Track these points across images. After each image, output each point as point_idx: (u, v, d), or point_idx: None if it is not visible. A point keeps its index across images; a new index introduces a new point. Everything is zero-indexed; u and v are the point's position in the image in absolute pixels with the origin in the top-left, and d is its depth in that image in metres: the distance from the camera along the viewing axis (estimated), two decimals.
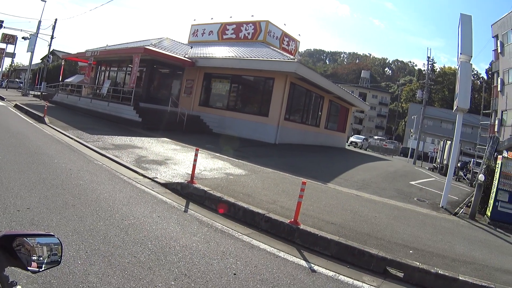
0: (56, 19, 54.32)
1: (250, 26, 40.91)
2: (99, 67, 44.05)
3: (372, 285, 6.77)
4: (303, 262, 7.26)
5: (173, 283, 5.79)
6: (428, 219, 12.35)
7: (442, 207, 14.83)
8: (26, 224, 7.44)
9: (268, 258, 7.22)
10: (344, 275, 7.00)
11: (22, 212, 8.01)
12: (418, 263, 7.37)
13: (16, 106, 34.24)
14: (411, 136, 61.24)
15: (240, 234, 8.52)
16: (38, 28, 56.12)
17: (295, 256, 7.53)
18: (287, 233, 8.60)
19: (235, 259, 6.97)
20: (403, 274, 7.26)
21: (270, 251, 7.64)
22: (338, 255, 7.80)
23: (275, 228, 8.88)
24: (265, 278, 6.29)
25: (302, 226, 8.54)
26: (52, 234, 2.26)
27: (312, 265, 7.19)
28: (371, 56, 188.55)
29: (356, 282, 6.76)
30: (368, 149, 60.13)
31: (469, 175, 29.80)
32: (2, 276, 2.03)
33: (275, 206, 10.35)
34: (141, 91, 34.48)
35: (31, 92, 57.11)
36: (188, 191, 11.53)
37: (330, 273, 7.04)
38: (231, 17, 43.88)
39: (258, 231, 8.93)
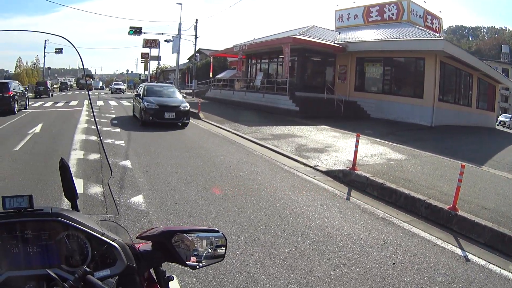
0: (196, 19, 56.34)
1: (393, 7, 40.32)
2: (249, 60, 45.15)
3: None
4: (458, 251, 7.22)
5: (332, 273, 5.91)
6: None
7: None
8: (183, 216, 8.06)
9: (426, 247, 7.25)
10: (494, 264, 6.83)
11: (180, 205, 8.73)
12: None
13: None
14: None
15: (401, 221, 8.62)
16: (180, 29, 59.17)
17: (451, 244, 7.48)
18: (445, 220, 8.62)
19: (395, 247, 7.05)
20: None
21: (429, 239, 7.66)
22: (490, 243, 7.68)
23: (434, 214, 8.92)
24: (422, 268, 6.27)
25: (460, 212, 8.49)
26: (216, 229, 2.25)
27: (467, 253, 7.11)
28: (507, 30, 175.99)
29: (503, 272, 6.58)
30: None
31: None
32: (159, 271, 2.15)
33: (434, 191, 10.30)
34: (295, 80, 35.29)
35: (182, 90, 59.47)
36: (350, 178, 11.76)
37: (482, 262, 6.87)
38: None
39: (418, 218, 8.97)
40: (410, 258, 6.69)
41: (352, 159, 12.47)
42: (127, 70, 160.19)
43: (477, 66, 34.46)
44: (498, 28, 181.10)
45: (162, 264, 2.17)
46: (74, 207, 2.22)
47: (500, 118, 60.95)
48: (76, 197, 2.24)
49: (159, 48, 76.94)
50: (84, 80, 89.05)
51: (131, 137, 18.06)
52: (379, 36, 34.37)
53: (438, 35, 34.73)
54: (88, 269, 1.80)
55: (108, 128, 20.45)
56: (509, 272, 6.65)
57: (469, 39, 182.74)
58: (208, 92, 48.09)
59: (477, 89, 38.64)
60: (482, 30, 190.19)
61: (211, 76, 51.16)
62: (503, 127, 55.62)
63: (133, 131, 19.72)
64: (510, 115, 67.32)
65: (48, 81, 65.26)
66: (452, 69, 32.50)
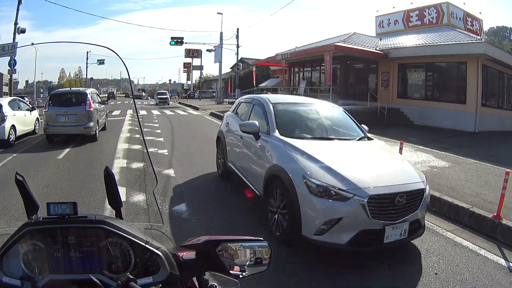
0: (238, 29, 56.95)
1: (433, 10, 40.14)
2: (292, 68, 45.77)
3: None
4: (502, 261, 7.07)
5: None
6: None
7: None
8: (226, 225, 8.21)
9: (469, 257, 7.17)
10: None
11: (224, 214, 8.91)
12: None
13: (212, 114, 37.09)
14: None
15: (444, 230, 8.53)
16: (221, 39, 60.19)
17: (495, 254, 7.35)
18: (489, 229, 8.47)
19: (438, 257, 6.99)
20: None
21: (472, 249, 7.55)
22: None
23: (478, 223, 8.79)
24: (464, 279, 6.22)
25: (504, 221, 8.32)
26: (261, 238, 2.24)
27: (511, 264, 7.00)
28: None
29: None
30: None
31: None
32: (201, 280, 2.17)
33: (478, 199, 10.13)
34: (338, 88, 35.42)
35: (225, 100, 60.59)
36: None
37: None
38: (412, 3, 43.20)
39: (461, 226, 8.86)
40: (452, 268, 6.63)
41: None
42: (170, 80, 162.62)
43: None
44: None
45: (206, 273, 2.19)
46: (118, 215, 2.28)
47: None
48: (120, 205, 2.30)
49: (201, 57, 78.39)
50: (138, 91, 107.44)
51: (175, 146, 18.36)
52: (420, 41, 34.28)
53: (479, 37, 34.40)
54: (131, 276, 1.86)
55: (151, 137, 20.75)
56: None
57: (511, 39, 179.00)
58: None
59: None
60: None
61: (254, 85, 51.32)
62: None
63: (177, 141, 20.04)
64: None
65: (114, 91, 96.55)
66: (495, 72, 31.96)
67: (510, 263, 7.06)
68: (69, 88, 24.94)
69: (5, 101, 19.07)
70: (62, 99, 19.41)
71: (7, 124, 17.94)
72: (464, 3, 42.75)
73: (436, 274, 6.35)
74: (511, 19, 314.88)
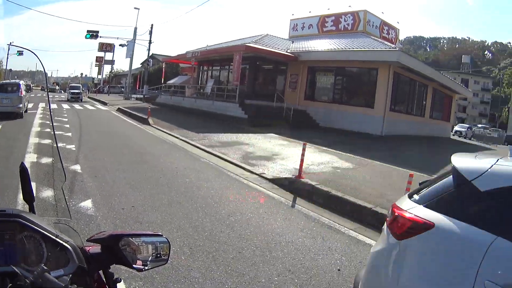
0: (152, 25, 56.52)
1: (349, 17, 41.10)
2: (201, 67, 45.34)
3: None
4: None
5: (276, 278, 5.91)
6: None
7: None
8: (130, 221, 8.00)
9: None
10: None
11: (127, 210, 8.61)
12: None
13: (119, 110, 36.99)
14: None
15: (347, 229, 8.55)
16: (135, 34, 60.06)
17: None
18: None
19: (340, 254, 6.98)
20: None
21: None
22: None
23: (381, 222, 8.74)
24: None
25: None
26: (160, 233, 2.34)
27: None
28: (470, 40, 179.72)
29: None
30: (472, 138, 57.80)
31: None
32: (107, 273, 2.19)
33: (382, 200, 10.21)
34: (245, 88, 35.20)
35: (133, 95, 60.62)
36: (295, 186, 11.68)
37: None
38: (328, 9, 44.36)
39: (364, 225, 8.89)
40: (355, 264, 6.66)
41: (298, 167, 12.48)
42: (81, 74, 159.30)
43: (433, 77, 35.04)
44: (460, 38, 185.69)
45: (111, 266, 2.20)
46: (31, 210, 2.29)
47: (456, 128, 61.55)
48: (33, 199, 2.31)
49: (113, 52, 77.58)
50: (52, 85, 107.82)
51: (82, 141, 17.94)
52: (332, 46, 34.67)
53: (393, 46, 35.09)
54: (45, 268, 1.81)
55: (60, 132, 20.34)
56: None
57: (427, 49, 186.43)
58: (158, 98, 48.04)
59: (431, 99, 39.33)
60: (441, 41, 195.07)
61: (162, 81, 50.65)
62: (459, 137, 56.33)
63: (84, 136, 19.77)
64: (467, 125, 68.19)
65: (30, 83, 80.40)
66: (406, 79, 32.96)
67: None
68: (9, 81, 34.28)
69: None
70: (4, 87, 26.85)
71: None
72: (382, 12, 44.13)
73: (339, 270, 6.36)
74: (430, 30, 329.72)
